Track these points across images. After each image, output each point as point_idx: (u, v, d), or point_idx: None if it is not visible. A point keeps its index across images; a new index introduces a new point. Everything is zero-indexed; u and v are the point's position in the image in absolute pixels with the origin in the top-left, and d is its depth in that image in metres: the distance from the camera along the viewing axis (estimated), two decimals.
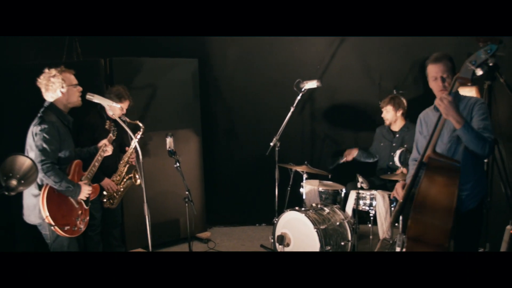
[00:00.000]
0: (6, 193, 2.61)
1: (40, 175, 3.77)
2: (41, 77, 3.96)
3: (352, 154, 5.89)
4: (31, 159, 2.74)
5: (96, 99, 4.08)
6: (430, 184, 3.14)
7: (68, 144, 4.01)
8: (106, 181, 4.95)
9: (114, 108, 4.51)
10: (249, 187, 7.05)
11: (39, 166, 3.71)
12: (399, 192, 3.52)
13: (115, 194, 5.06)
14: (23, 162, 2.67)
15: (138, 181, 5.11)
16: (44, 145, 3.78)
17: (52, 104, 3.98)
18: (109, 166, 4.99)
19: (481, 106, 3.39)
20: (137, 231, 5.62)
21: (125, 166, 5.06)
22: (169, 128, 5.85)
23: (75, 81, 4.07)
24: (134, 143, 4.49)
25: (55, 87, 3.93)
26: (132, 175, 5.06)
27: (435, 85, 3.51)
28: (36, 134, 3.81)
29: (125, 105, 4.97)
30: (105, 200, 5.00)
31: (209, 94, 6.95)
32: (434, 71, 3.46)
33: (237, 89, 7.01)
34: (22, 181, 2.65)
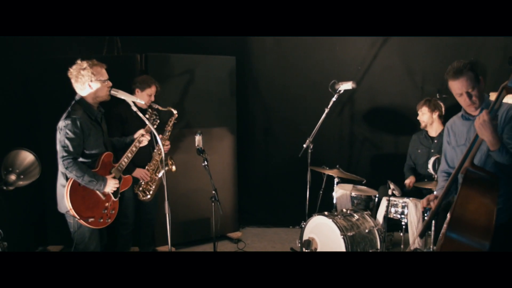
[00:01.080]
0: (4, 187, 2.60)
1: (63, 170, 3.82)
2: (73, 67, 3.97)
3: (412, 182, 5.60)
4: (34, 154, 2.72)
5: (120, 94, 4.05)
6: (467, 199, 2.89)
7: (96, 137, 4.01)
8: (138, 171, 4.98)
9: (141, 104, 4.52)
10: (283, 188, 6.94)
11: (60, 161, 3.80)
12: (428, 199, 3.37)
13: (150, 184, 5.05)
14: (25, 157, 2.67)
15: (174, 168, 5.10)
16: (66, 141, 3.80)
17: (81, 99, 4.00)
18: (143, 157, 5.01)
19: None
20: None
21: (159, 155, 5.06)
22: (203, 126, 5.83)
23: (105, 76, 4.06)
24: (149, 131, 4.53)
25: (84, 80, 3.93)
26: (167, 161, 5.05)
27: (461, 100, 3.29)
28: (60, 129, 3.85)
29: (152, 90, 5.03)
30: (140, 190, 5.01)
31: (247, 93, 6.89)
32: (457, 88, 3.23)
33: (275, 89, 6.91)
34: (22, 176, 2.66)
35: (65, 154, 3.79)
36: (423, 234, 3.42)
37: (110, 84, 4.09)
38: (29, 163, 2.68)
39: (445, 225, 3.09)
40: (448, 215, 3.05)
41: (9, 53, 5.40)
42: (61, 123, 3.85)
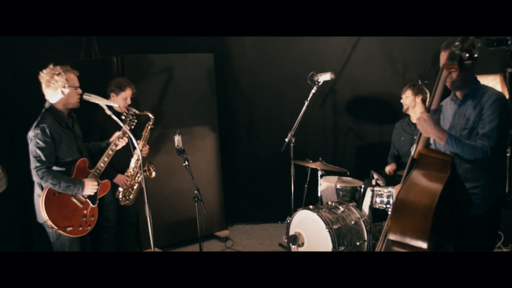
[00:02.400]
0: None
1: (38, 180, 3.76)
2: (44, 71, 3.90)
3: (393, 169, 5.56)
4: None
5: (93, 99, 3.98)
6: (414, 182, 2.94)
7: (68, 144, 3.93)
8: (119, 177, 4.90)
9: (115, 107, 4.44)
10: (270, 184, 6.90)
11: (34, 172, 3.74)
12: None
13: (130, 190, 4.99)
14: None
15: (153, 174, 5.04)
16: (38, 151, 3.73)
17: (51, 106, 3.93)
18: (121, 162, 4.93)
19: (492, 105, 3.04)
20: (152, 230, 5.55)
21: (138, 160, 4.97)
22: (184, 125, 5.78)
23: (77, 83, 3.99)
24: (125, 135, 4.39)
25: (57, 85, 3.86)
26: (146, 168, 4.97)
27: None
28: (31, 139, 3.78)
29: (127, 93, 4.91)
30: (120, 196, 4.94)
31: (227, 90, 6.83)
32: (443, 59, 3.17)
33: (256, 84, 6.85)
34: None
35: (38, 164, 3.73)
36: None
37: (81, 91, 4.01)
38: None
39: None
40: None
41: None
42: (31, 133, 3.78)
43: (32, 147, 3.76)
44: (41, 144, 3.73)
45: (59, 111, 3.94)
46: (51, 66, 3.93)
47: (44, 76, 3.89)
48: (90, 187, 3.98)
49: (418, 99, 5.36)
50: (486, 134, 3.00)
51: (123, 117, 4.59)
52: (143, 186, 3.96)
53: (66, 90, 3.89)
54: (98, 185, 4.14)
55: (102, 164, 4.21)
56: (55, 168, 3.86)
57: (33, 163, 3.74)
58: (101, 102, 4.08)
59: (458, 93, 3.26)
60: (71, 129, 4.03)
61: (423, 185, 2.90)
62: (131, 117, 4.67)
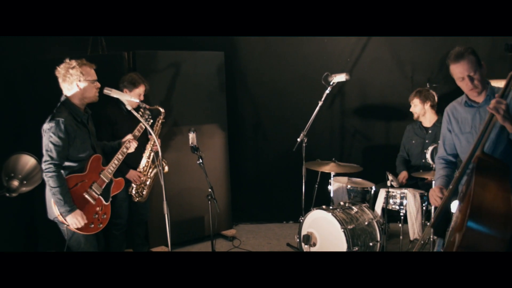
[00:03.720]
0: (7, 194, 2.48)
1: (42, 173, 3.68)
2: (61, 66, 3.84)
3: (406, 177, 5.57)
4: (35, 158, 2.61)
5: (114, 93, 3.93)
6: (483, 188, 2.81)
7: (82, 140, 3.87)
8: (132, 173, 4.87)
9: (132, 102, 4.40)
10: (277, 184, 6.89)
11: (42, 165, 3.63)
12: (436, 195, 3.30)
13: (143, 186, 4.96)
14: (27, 161, 2.56)
15: (166, 168, 5.00)
16: (50, 145, 3.65)
17: (67, 99, 3.86)
18: (133, 157, 4.88)
19: None
20: (160, 228, 5.50)
21: (149, 154, 4.95)
22: (193, 123, 5.72)
23: (94, 76, 3.93)
24: (147, 129, 4.34)
25: (72, 79, 3.80)
26: (158, 162, 4.94)
27: (463, 85, 3.26)
28: (45, 132, 3.71)
29: (140, 90, 4.90)
30: (134, 193, 4.91)
31: (236, 88, 6.80)
32: (458, 72, 3.21)
33: (264, 83, 6.83)
34: (25, 182, 2.54)
35: (47, 158, 3.63)
36: (435, 226, 3.38)
37: (99, 85, 3.96)
38: (31, 167, 2.57)
39: (455, 217, 3.05)
40: (460, 206, 3.00)
41: None
42: (45, 126, 3.70)
43: (45, 140, 3.68)
44: (54, 138, 3.65)
45: (75, 106, 3.87)
46: (67, 60, 3.87)
47: (60, 70, 3.83)
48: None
49: (427, 106, 5.40)
50: None
51: (140, 113, 4.55)
52: (162, 182, 3.92)
53: (82, 84, 3.83)
54: (111, 183, 4.10)
55: (115, 162, 4.15)
56: (67, 163, 3.78)
57: (44, 156, 3.65)
58: (122, 97, 4.04)
59: (475, 98, 3.29)
60: (86, 125, 3.97)
61: (493, 192, 2.79)
62: (146, 116, 4.65)
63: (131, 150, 4.34)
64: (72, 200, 3.72)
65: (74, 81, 3.81)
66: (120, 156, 4.19)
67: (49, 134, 3.65)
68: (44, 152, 3.66)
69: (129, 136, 4.34)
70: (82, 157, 3.88)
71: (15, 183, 2.54)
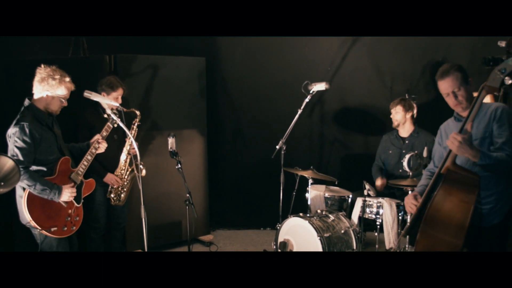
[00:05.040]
0: None
1: None
2: (45, 69, 3.84)
3: (383, 184, 5.61)
4: (13, 159, 2.61)
5: (94, 97, 3.94)
6: (445, 197, 3.02)
7: (48, 143, 3.88)
8: (109, 176, 4.86)
9: (114, 105, 4.40)
10: (255, 190, 6.91)
11: None
12: (411, 203, 3.39)
13: (120, 189, 4.95)
14: (5, 163, 2.55)
15: (144, 172, 4.99)
16: (16, 150, 3.67)
17: (31, 104, 3.86)
18: (111, 160, 4.90)
19: (502, 114, 3.18)
20: (138, 232, 5.47)
21: (126, 158, 4.93)
22: (173, 127, 5.74)
23: (66, 96, 3.94)
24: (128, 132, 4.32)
25: (47, 87, 3.81)
26: (134, 166, 4.93)
27: (449, 101, 3.36)
28: (9, 137, 3.73)
29: (118, 93, 4.87)
30: (112, 196, 4.89)
31: (216, 94, 6.82)
32: (443, 88, 3.33)
33: (245, 90, 6.86)
34: (2, 183, 2.53)
35: None
36: (408, 233, 3.48)
37: (66, 104, 3.98)
38: (9, 169, 2.56)
39: None
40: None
41: None
42: (10, 131, 3.73)
43: (10, 146, 3.71)
44: (20, 142, 3.67)
45: (40, 110, 3.88)
46: (54, 67, 3.88)
47: (42, 72, 3.83)
48: (68, 194, 3.89)
49: (409, 116, 5.47)
50: (506, 142, 3.10)
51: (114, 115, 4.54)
52: (140, 186, 3.92)
53: (52, 97, 3.85)
54: (82, 185, 4.11)
55: (83, 165, 4.14)
56: (35, 167, 3.80)
57: None
58: (102, 100, 4.04)
59: (461, 113, 3.37)
60: (51, 128, 3.98)
61: (454, 202, 2.98)
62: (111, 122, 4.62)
63: (100, 150, 4.33)
64: (52, 182, 3.80)
65: (48, 90, 3.82)
66: (89, 157, 4.18)
67: (14, 139, 3.68)
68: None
69: (97, 137, 4.33)
70: (50, 159, 3.89)
71: None
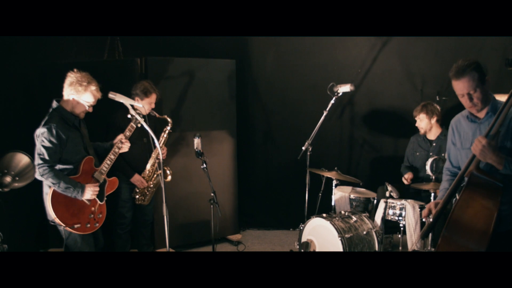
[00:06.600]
0: (0, 189, 2.64)
1: (39, 177, 3.85)
2: (77, 74, 4.04)
3: (410, 177, 5.59)
4: (29, 156, 2.77)
5: (119, 98, 4.08)
6: (468, 202, 2.91)
7: (74, 143, 4.06)
8: (136, 177, 5.02)
9: (138, 107, 4.54)
10: (284, 191, 6.97)
11: (36, 169, 3.80)
12: (429, 209, 3.33)
13: (146, 191, 5.10)
14: (21, 159, 2.71)
15: (169, 177, 5.13)
16: (42, 149, 3.86)
17: (59, 106, 4.05)
18: (139, 162, 5.07)
19: None
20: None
21: (154, 162, 5.09)
22: (203, 129, 5.87)
23: (92, 103, 4.12)
24: (157, 138, 4.49)
25: (74, 92, 4.00)
26: (161, 171, 5.08)
27: (463, 101, 3.18)
28: (37, 136, 3.91)
29: (152, 99, 5.02)
30: (137, 196, 5.06)
31: (247, 96, 6.92)
32: (458, 89, 3.12)
33: (275, 91, 6.94)
34: (17, 178, 2.69)
35: (40, 162, 3.84)
36: (426, 235, 3.41)
37: (91, 110, 4.15)
38: (24, 165, 2.73)
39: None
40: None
41: (10, 57, 5.43)
42: (38, 131, 3.91)
43: (38, 145, 3.89)
44: (46, 143, 3.86)
45: (67, 111, 4.06)
46: (84, 73, 4.07)
47: (72, 76, 4.03)
48: (90, 192, 4.05)
49: (433, 121, 5.42)
50: None
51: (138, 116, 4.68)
52: (162, 186, 4.03)
53: (77, 101, 4.04)
54: (105, 183, 4.26)
55: (107, 164, 4.30)
56: (60, 166, 3.98)
57: (37, 160, 3.84)
58: (126, 101, 4.18)
59: (476, 113, 3.22)
60: (78, 128, 4.15)
61: (477, 208, 2.88)
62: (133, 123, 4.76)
63: (123, 150, 4.47)
64: (75, 181, 3.97)
65: (75, 95, 4.01)
66: (112, 157, 4.34)
67: (41, 139, 3.87)
68: (36, 156, 3.86)
69: (120, 136, 4.47)
70: (76, 158, 4.08)
71: (8, 179, 2.70)
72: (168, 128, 5.09)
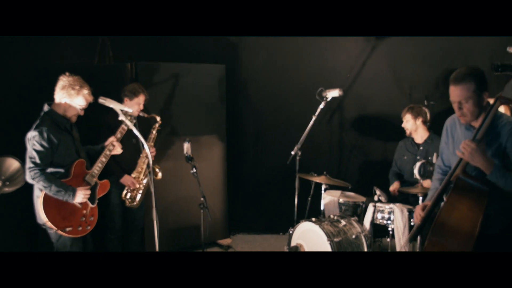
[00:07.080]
0: None
1: (30, 180, 3.86)
2: (69, 78, 4.05)
3: (397, 188, 5.61)
4: (19, 161, 2.78)
5: (109, 103, 4.08)
6: (454, 206, 2.95)
7: (66, 146, 4.06)
8: (126, 178, 5.02)
9: (128, 112, 4.55)
10: (274, 195, 6.97)
11: (27, 172, 3.84)
12: (419, 213, 3.33)
13: (136, 192, 5.09)
14: (11, 164, 2.72)
15: (160, 175, 5.13)
16: (33, 153, 3.86)
17: (50, 110, 4.06)
18: (128, 162, 5.07)
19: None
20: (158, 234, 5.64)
21: (144, 161, 5.10)
22: (192, 134, 5.88)
23: (83, 106, 4.13)
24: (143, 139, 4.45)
25: (66, 95, 4.01)
26: (150, 170, 5.08)
27: (454, 108, 3.17)
28: (29, 140, 3.91)
29: (140, 99, 5.05)
30: (127, 197, 5.05)
31: (237, 100, 6.93)
32: (453, 94, 3.09)
33: (265, 96, 6.96)
34: (7, 183, 2.70)
35: (31, 165, 3.83)
36: (414, 238, 3.45)
37: (82, 113, 4.16)
38: (14, 170, 2.74)
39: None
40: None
41: (2, 59, 5.42)
42: (29, 134, 3.91)
43: (29, 148, 3.89)
44: (38, 146, 3.86)
45: (58, 115, 4.07)
46: (76, 77, 4.09)
47: (65, 80, 4.04)
48: (81, 195, 4.05)
49: (419, 122, 5.47)
50: None
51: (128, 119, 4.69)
52: (152, 190, 4.04)
53: (69, 104, 4.05)
54: (97, 186, 4.26)
55: (98, 167, 4.29)
56: (52, 169, 3.98)
57: (28, 163, 3.85)
58: (116, 106, 4.19)
59: (463, 120, 3.19)
60: (69, 131, 4.16)
61: (463, 211, 2.91)
62: (134, 121, 4.79)
63: (115, 152, 4.47)
64: (67, 184, 3.97)
65: (67, 98, 4.02)
66: (103, 159, 4.34)
67: (32, 142, 3.87)
68: (27, 159, 3.86)
69: (112, 139, 4.48)
70: (68, 161, 4.08)
71: None
72: (157, 125, 5.12)
